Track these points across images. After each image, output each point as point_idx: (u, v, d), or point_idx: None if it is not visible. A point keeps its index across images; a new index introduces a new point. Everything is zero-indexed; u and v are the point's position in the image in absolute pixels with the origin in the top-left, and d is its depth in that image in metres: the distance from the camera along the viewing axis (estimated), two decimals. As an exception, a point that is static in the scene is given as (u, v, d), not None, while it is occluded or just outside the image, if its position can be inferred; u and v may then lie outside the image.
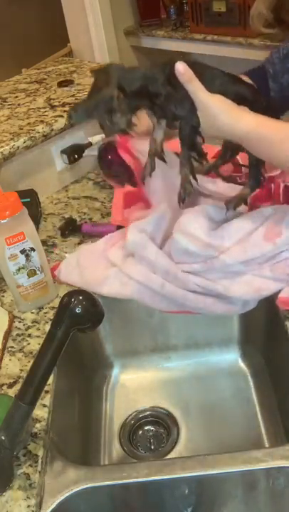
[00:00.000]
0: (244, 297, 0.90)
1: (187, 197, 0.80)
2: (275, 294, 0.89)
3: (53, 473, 0.71)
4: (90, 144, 1.31)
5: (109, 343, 1.08)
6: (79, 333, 0.67)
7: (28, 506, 0.66)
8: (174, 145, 1.33)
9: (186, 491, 0.74)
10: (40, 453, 0.72)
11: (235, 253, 0.88)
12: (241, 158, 1.04)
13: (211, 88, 0.67)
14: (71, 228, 1.15)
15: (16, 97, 1.41)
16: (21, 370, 0.84)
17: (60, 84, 1.43)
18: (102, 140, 1.30)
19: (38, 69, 1.63)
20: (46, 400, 0.79)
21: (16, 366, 0.85)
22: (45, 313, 0.95)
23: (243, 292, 0.89)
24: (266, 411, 0.99)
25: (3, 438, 0.66)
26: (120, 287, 0.94)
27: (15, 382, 0.82)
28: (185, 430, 0.98)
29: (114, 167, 1.25)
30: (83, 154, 1.32)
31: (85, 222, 1.18)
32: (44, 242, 1.11)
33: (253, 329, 1.06)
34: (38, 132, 1.20)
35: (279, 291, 0.89)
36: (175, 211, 0.95)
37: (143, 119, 0.76)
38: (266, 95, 0.98)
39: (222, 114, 0.68)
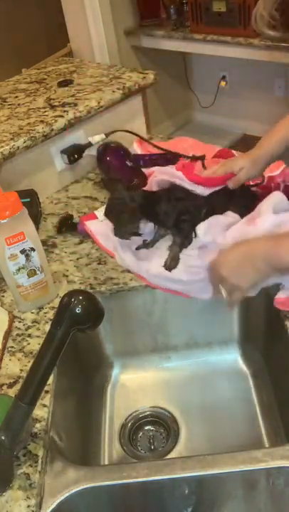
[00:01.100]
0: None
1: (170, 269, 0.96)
2: (273, 295, 0.89)
3: (53, 473, 0.71)
4: (90, 144, 1.31)
5: (109, 343, 1.08)
6: (79, 333, 0.67)
7: (28, 506, 0.66)
8: (173, 145, 1.33)
9: (186, 491, 0.74)
10: (40, 453, 0.72)
11: (214, 233, 0.94)
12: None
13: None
14: (69, 222, 1.15)
15: (16, 97, 1.41)
16: (21, 370, 0.84)
17: (60, 84, 1.43)
18: (102, 140, 1.30)
19: (38, 69, 1.62)
20: (46, 400, 0.79)
21: (16, 366, 0.85)
22: (45, 313, 0.95)
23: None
24: (266, 411, 0.99)
25: (3, 438, 0.66)
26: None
27: (15, 382, 0.82)
28: (185, 430, 0.98)
29: (112, 170, 1.25)
30: (83, 154, 1.32)
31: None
32: (44, 242, 1.11)
33: (253, 329, 1.06)
34: (38, 132, 1.20)
35: (276, 292, 0.90)
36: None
37: None
38: None
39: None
